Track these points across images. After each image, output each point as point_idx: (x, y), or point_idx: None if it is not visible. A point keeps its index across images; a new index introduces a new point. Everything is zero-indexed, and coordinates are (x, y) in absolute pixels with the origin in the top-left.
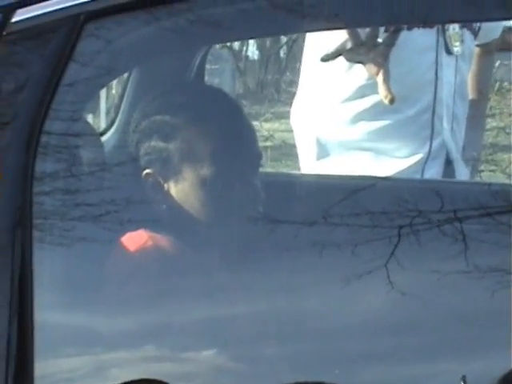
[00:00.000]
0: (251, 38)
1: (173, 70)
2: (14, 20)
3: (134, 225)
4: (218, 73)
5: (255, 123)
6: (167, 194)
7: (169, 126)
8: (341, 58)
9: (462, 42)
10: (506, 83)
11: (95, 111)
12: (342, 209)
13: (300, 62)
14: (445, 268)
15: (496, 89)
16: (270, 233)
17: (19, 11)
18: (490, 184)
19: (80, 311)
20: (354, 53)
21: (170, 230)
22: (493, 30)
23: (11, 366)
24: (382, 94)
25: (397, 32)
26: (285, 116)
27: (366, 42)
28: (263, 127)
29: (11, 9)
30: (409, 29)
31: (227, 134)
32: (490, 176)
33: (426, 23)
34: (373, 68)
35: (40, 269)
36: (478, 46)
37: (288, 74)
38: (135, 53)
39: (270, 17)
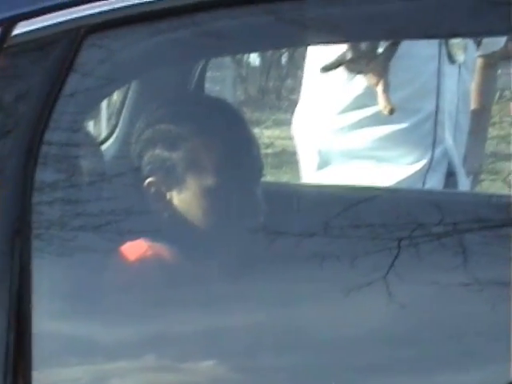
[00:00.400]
0: (253, 51)
1: (173, 79)
2: (14, 33)
3: (135, 235)
4: (220, 80)
5: (256, 130)
6: (169, 203)
7: (173, 135)
8: (341, 69)
9: (465, 51)
10: (506, 92)
11: (96, 118)
12: (341, 220)
13: (301, 69)
14: (444, 280)
15: (497, 97)
16: (270, 244)
17: (20, 24)
18: (490, 196)
19: (80, 321)
20: (354, 63)
21: (170, 240)
22: (496, 40)
23: (9, 375)
24: (381, 105)
25: (397, 43)
26: (286, 123)
27: (366, 52)
28: (264, 134)
29: (12, 22)
30: None
31: (230, 144)
32: (491, 185)
33: (427, 37)
34: (372, 78)
35: (40, 278)
36: (480, 56)
37: (289, 81)
38: (137, 64)
39: (272, 30)
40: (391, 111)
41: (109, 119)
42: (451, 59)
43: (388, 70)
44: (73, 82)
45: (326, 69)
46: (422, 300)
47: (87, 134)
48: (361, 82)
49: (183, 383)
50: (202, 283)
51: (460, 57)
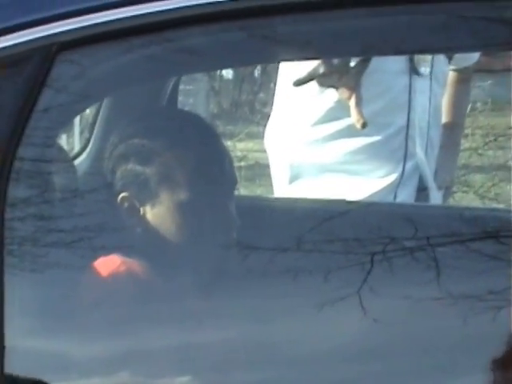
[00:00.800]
0: (226, 67)
1: (146, 93)
2: None
3: (108, 250)
4: (193, 93)
5: (229, 143)
6: (143, 217)
7: (146, 150)
8: (313, 82)
9: (432, 64)
10: (478, 104)
11: (69, 132)
12: (314, 235)
13: (274, 82)
14: (417, 294)
15: (469, 110)
16: (243, 258)
17: None
18: (463, 209)
19: (53, 337)
20: (326, 78)
21: (143, 255)
22: (469, 56)
23: None
24: (354, 118)
25: (369, 58)
26: (258, 136)
27: (338, 67)
28: (237, 147)
29: None
30: None
31: (203, 158)
32: (463, 197)
33: (399, 53)
34: (345, 92)
35: (12, 294)
36: (453, 70)
37: (262, 94)
38: (110, 81)
39: (245, 47)
40: (364, 125)
41: (81, 134)
42: (416, 71)
43: (360, 84)
44: (46, 98)
45: (299, 83)
46: (394, 314)
47: (60, 150)
48: (332, 95)
49: None
50: (176, 299)
51: (425, 69)
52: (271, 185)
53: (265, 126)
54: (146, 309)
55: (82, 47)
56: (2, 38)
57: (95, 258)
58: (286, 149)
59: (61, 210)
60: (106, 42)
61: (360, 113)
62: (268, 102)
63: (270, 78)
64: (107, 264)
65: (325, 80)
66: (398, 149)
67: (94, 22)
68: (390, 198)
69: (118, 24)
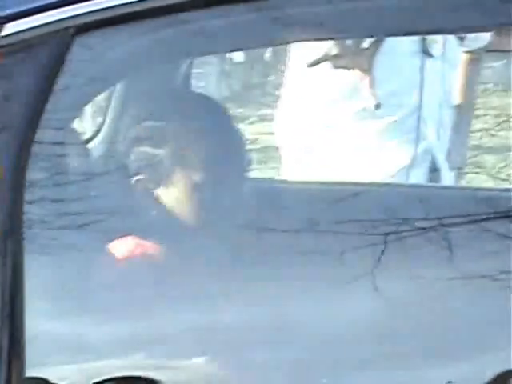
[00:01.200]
0: (239, 49)
1: (159, 76)
2: (3, 34)
3: (123, 233)
4: (204, 76)
5: (241, 126)
6: (157, 200)
7: (160, 132)
8: (326, 64)
9: (444, 45)
10: (490, 85)
11: (81, 115)
12: (328, 216)
13: (284, 64)
14: (431, 275)
15: (480, 91)
16: (257, 240)
17: (8, 25)
18: (476, 189)
19: (70, 320)
20: (339, 59)
21: (158, 237)
22: (481, 37)
23: (2, 374)
24: (367, 100)
25: (381, 39)
26: (270, 119)
27: (351, 48)
28: (249, 130)
29: (0, 23)
30: None
31: (217, 140)
32: (475, 178)
33: (411, 34)
34: (358, 74)
35: (28, 278)
36: (465, 52)
37: (273, 76)
38: (125, 64)
39: (257, 29)
40: (377, 106)
41: (93, 117)
42: (428, 53)
43: (373, 65)
44: (62, 82)
45: (312, 64)
46: (408, 294)
47: (75, 134)
48: (346, 76)
49: (174, 381)
50: (191, 280)
51: (437, 50)
52: (282, 167)
53: (276, 108)
54: (162, 290)
55: (98, 30)
56: (20, 21)
57: (110, 241)
58: (297, 131)
59: (77, 193)
60: (121, 24)
61: (374, 94)
62: (279, 84)
63: (280, 60)
64: (122, 246)
65: (338, 61)
66: (410, 130)
67: (110, 4)
68: (402, 179)
69: (132, 6)
